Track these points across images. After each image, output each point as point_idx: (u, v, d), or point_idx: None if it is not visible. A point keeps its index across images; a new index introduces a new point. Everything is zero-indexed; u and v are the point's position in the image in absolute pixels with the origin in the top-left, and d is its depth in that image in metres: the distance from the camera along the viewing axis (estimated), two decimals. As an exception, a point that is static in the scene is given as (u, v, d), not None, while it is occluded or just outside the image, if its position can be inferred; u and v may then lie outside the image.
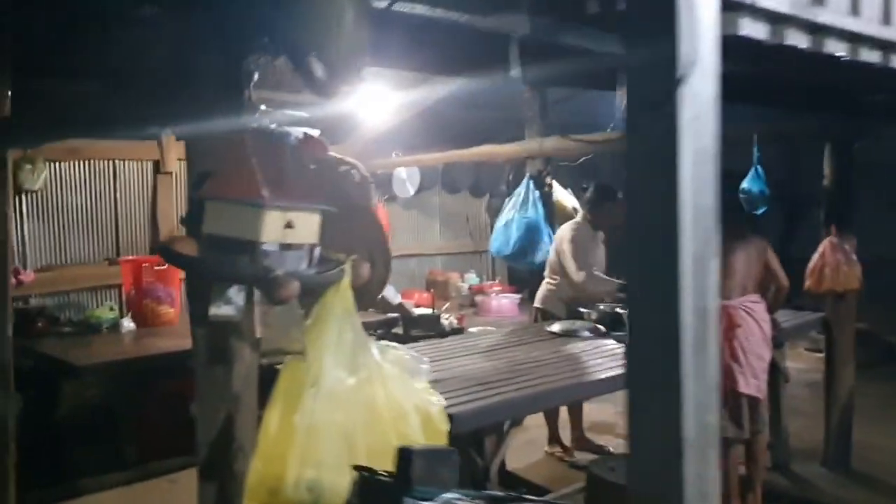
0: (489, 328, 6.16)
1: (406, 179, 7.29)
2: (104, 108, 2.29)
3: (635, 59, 1.23)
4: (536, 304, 4.94)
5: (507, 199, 5.90)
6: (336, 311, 1.82)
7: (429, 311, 5.70)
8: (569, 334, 4.18)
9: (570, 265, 4.65)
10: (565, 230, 4.83)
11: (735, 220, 4.10)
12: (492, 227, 8.72)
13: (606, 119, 6.13)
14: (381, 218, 2.26)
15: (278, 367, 2.02)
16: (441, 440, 2.00)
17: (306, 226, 1.73)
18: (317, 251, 1.78)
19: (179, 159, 6.13)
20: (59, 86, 2.97)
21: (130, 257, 5.71)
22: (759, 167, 4.79)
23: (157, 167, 6.04)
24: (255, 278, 1.66)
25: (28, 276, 5.27)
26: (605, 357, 3.69)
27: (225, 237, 1.64)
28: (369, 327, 2.50)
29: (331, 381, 1.82)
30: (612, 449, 4.97)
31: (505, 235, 5.76)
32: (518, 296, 7.24)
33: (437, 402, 2.08)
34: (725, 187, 3.91)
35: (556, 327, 4.29)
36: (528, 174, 5.82)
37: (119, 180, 5.91)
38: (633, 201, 1.26)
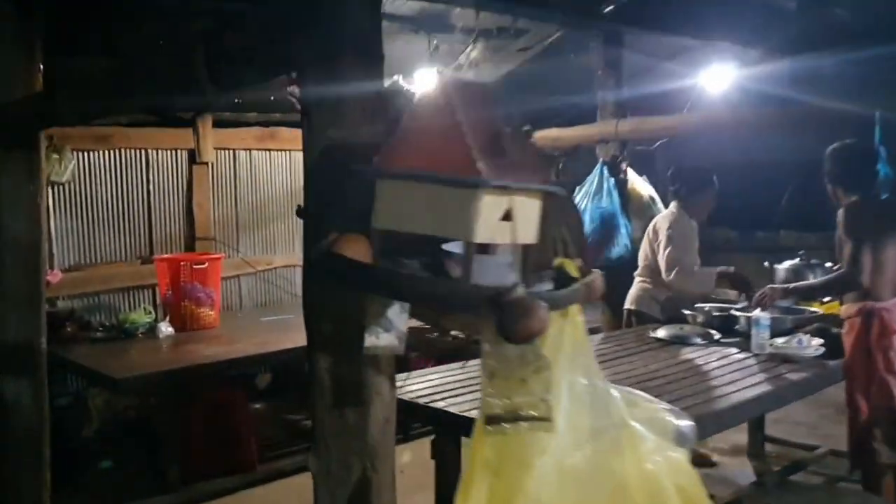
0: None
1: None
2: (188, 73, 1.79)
3: None
4: (628, 305, 4.39)
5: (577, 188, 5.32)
6: (566, 347, 1.25)
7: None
8: (679, 341, 3.65)
9: (663, 262, 4.12)
10: (661, 222, 4.27)
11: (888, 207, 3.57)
12: (540, 219, 8.23)
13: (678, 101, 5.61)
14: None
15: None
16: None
17: (525, 216, 1.14)
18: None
19: (216, 148, 5.62)
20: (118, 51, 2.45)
21: (166, 255, 5.21)
22: (882, 147, 4.21)
23: (193, 157, 5.52)
24: (484, 302, 1.05)
25: (55, 275, 4.81)
26: (737, 370, 3.14)
27: (414, 235, 1.07)
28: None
29: (562, 449, 1.25)
30: (715, 460, 4.45)
31: (576, 228, 5.17)
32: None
33: (698, 478, 1.49)
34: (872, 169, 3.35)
35: (661, 333, 3.75)
36: (601, 160, 5.25)
37: (152, 171, 5.40)
38: None
